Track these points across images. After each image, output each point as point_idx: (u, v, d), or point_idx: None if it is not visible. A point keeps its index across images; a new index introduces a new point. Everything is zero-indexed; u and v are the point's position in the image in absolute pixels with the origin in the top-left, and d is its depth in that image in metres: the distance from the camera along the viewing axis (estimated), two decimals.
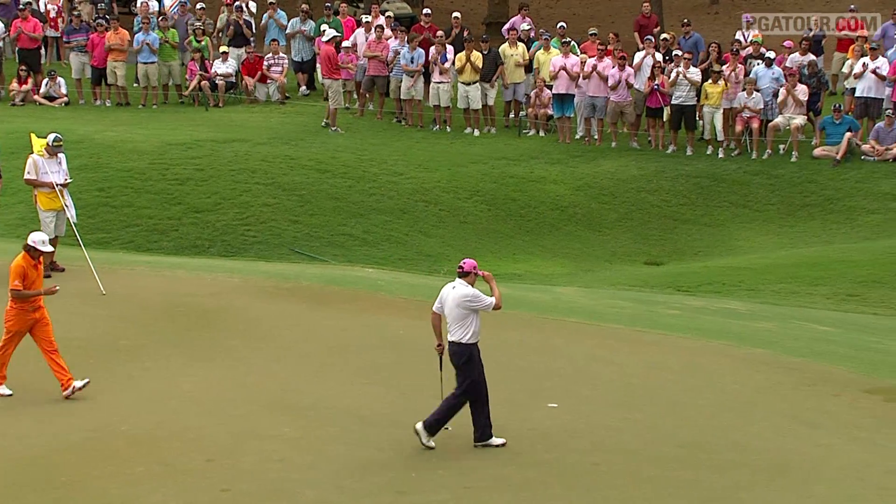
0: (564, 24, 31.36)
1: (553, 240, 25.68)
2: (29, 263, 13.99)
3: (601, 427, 13.40)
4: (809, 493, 11.89)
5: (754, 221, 26.55)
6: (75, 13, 32.65)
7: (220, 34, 32.88)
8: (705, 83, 28.01)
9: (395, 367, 15.22)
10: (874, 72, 27.83)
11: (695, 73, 28.02)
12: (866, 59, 28.02)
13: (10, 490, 11.90)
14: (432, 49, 29.83)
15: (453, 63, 29.57)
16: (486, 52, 29.58)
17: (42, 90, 31.17)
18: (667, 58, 28.85)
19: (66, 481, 12.04)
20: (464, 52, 29.51)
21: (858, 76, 28.14)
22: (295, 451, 12.69)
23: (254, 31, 32.72)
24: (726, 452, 12.76)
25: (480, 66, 29.34)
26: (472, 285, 12.77)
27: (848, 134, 27.33)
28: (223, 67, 31.41)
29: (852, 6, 32.35)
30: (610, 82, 28.41)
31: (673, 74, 27.92)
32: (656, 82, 28.14)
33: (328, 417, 13.54)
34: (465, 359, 12.66)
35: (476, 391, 12.74)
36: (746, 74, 28.24)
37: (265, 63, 31.60)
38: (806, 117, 28.02)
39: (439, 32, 30.63)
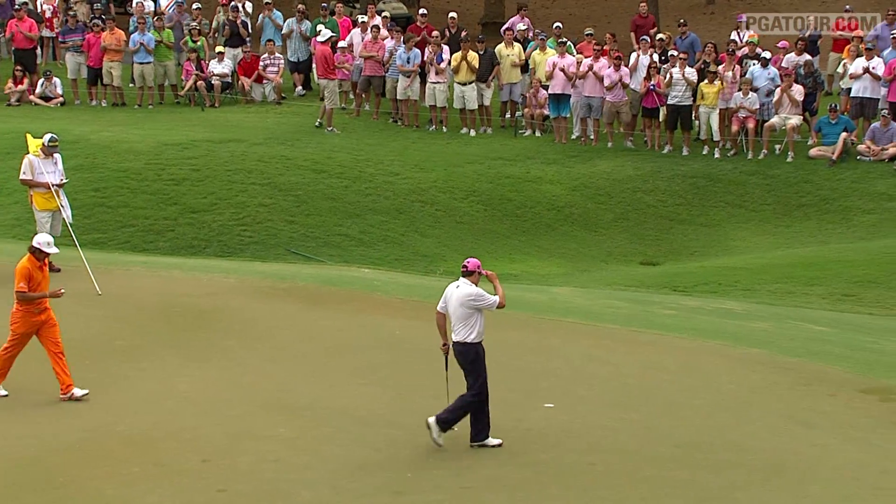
0: (560, 25, 31.40)
1: (549, 240, 25.67)
2: (34, 265, 13.96)
3: (597, 427, 13.40)
4: (805, 493, 11.90)
5: (750, 221, 26.55)
6: (71, 13, 32.62)
7: (217, 34, 32.87)
8: (701, 83, 28.01)
9: (391, 368, 15.21)
10: (869, 71, 27.84)
11: (691, 73, 28.03)
12: (863, 60, 28.03)
13: (7, 491, 11.89)
14: (428, 49, 29.81)
15: (449, 63, 29.55)
16: (482, 53, 29.55)
17: (38, 90, 31.13)
18: (663, 58, 28.85)
19: (63, 482, 12.03)
20: (460, 53, 29.47)
21: (855, 77, 28.16)
22: (291, 451, 12.68)
23: (250, 31, 32.72)
24: (722, 452, 12.77)
25: (476, 66, 29.31)
26: (476, 284, 12.80)
27: (844, 134, 27.31)
28: (219, 67, 31.40)
29: (848, 6, 32.37)
30: (606, 82, 28.38)
31: (668, 75, 27.94)
32: (652, 82, 28.15)
33: (324, 418, 13.53)
34: (473, 357, 12.69)
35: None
36: (742, 75, 28.24)
37: (261, 63, 31.58)
38: (802, 117, 28.01)
39: (435, 32, 30.64)
